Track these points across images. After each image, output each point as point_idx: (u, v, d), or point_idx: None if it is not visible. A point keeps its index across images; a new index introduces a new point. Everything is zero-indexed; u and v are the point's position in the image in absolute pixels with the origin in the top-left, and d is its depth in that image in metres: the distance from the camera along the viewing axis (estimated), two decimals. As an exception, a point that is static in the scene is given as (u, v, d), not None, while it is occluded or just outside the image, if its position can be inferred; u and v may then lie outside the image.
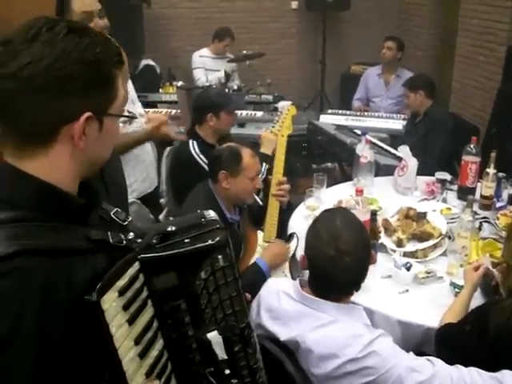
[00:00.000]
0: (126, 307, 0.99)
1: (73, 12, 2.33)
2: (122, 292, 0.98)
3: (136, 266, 1.02)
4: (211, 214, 1.17)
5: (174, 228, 1.08)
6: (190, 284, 1.07)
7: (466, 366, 1.63)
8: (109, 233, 1.02)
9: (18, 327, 0.85)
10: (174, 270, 1.05)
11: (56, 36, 0.93)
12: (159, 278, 1.05)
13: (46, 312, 0.89)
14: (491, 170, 2.89)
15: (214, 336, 1.10)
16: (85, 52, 0.94)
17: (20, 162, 0.96)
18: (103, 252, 1.01)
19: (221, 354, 1.11)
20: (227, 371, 1.13)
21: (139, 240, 1.06)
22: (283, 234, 2.78)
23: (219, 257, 1.07)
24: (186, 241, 1.06)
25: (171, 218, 1.26)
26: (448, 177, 3.17)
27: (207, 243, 1.06)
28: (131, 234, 1.06)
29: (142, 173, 2.92)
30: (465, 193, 2.95)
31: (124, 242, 1.04)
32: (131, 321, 1.00)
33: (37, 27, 0.93)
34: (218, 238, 1.07)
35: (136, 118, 2.41)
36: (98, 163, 1.08)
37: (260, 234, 2.77)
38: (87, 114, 0.96)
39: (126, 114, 1.92)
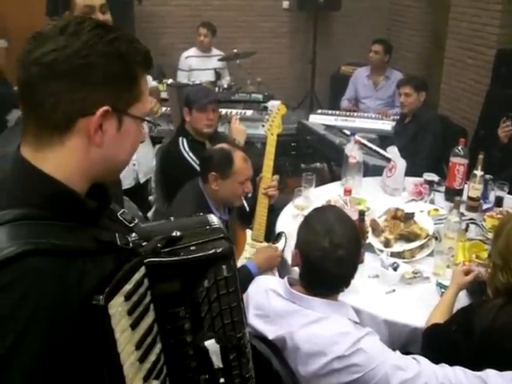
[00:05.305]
0: (130, 312, 0.98)
1: (75, 5, 2.30)
2: (127, 297, 0.97)
3: (142, 270, 1.01)
4: (215, 221, 1.16)
5: (179, 233, 1.07)
6: (193, 291, 1.06)
7: (451, 365, 1.65)
8: (116, 234, 1.01)
9: (26, 336, 0.84)
10: (178, 277, 1.05)
11: (82, 29, 0.94)
12: (163, 283, 1.04)
13: (57, 319, 0.87)
14: (478, 172, 2.91)
15: (211, 344, 1.10)
16: (109, 45, 0.95)
17: (36, 152, 0.95)
18: (110, 254, 1.00)
19: (217, 362, 1.11)
20: (222, 380, 1.13)
21: (144, 243, 1.05)
22: (271, 233, 2.78)
23: (223, 267, 1.07)
24: (192, 248, 1.06)
25: (172, 219, 1.24)
26: (436, 178, 3.19)
27: (213, 252, 1.06)
28: (134, 235, 1.05)
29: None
30: (452, 194, 2.97)
31: (130, 244, 1.03)
32: (134, 325, 0.99)
33: (67, 23, 0.95)
34: (223, 248, 1.07)
35: (159, 125, 2.29)
36: (114, 165, 1.06)
37: (249, 232, 2.78)
38: (105, 107, 0.95)
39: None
